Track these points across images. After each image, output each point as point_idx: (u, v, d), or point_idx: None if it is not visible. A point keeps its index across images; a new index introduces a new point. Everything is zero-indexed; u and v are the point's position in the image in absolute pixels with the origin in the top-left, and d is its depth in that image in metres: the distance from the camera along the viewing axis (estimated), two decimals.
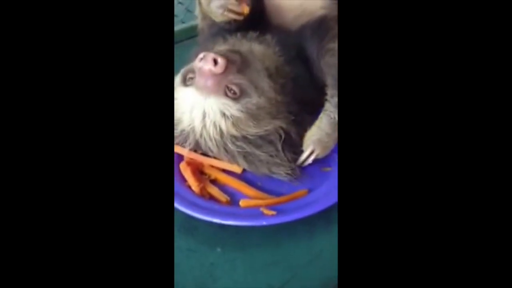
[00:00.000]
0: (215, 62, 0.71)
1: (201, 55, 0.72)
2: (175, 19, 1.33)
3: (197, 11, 1.09)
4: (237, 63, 0.75)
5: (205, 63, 0.71)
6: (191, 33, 1.17)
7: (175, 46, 1.13)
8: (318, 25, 0.89)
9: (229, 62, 0.73)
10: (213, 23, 0.90)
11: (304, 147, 0.78)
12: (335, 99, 0.77)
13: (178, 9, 1.36)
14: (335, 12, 0.91)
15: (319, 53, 0.85)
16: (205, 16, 0.97)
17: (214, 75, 0.72)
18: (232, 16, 0.82)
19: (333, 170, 0.79)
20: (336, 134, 0.77)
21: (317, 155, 0.78)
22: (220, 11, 0.82)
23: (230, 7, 0.81)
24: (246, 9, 0.81)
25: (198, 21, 1.08)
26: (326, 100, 0.79)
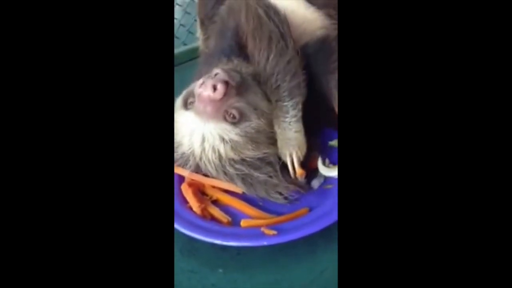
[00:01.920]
0: (214, 88, 0.72)
1: (200, 81, 0.73)
2: (177, 41, 1.35)
3: (198, 33, 1.11)
4: (236, 85, 0.76)
5: (204, 89, 0.72)
6: (193, 55, 1.18)
7: (177, 67, 1.16)
8: (321, 44, 0.89)
9: (228, 86, 0.73)
10: (218, 44, 0.91)
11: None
12: None
13: (180, 31, 1.38)
14: (335, 32, 0.92)
15: (326, 70, 0.85)
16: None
17: (213, 101, 0.72)
18: (289, 166, 0.80)
19: (333, 188, 0.79)
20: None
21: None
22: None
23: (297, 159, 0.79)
24: (301, 174, 0.79)
25: (200, 43, 1.10)
26: None
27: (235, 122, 0.74)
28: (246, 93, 0.77)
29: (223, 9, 0.91)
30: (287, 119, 0.78)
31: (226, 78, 0.73)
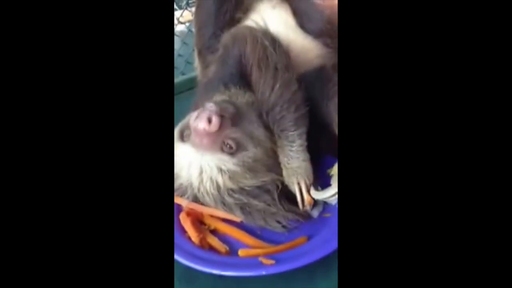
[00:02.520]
0: (209, 121, 0.72)
1: (195, 114, 0.74)
2: (176, 71, 1.36)
3: (196, 63, 1.12)
4: (231, 116, 0.77)
5: (199, 122, 0.72)
6: (191, 84, 1.19)
7: (176, 97, 1.17)
8: (318, 72, 0.91)
9: (223, 118, 0.74)
10: (218, 71, 0.93)
11: (333, 180, 0.79)
12: None
13: (178, 61, 1.40)
14: (331, 61, 0.94)
15: (325, 96, 0.86)
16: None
17: (209, 133, 0.73)
18: (298, 195, 0.81)
19: (332, 216, 0.79)
20: None
21: None
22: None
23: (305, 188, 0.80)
24: (310, 202, 0.80)
25: (197, 73, 1.11)
26: None
27: (232, 153, 0.74)
28: (241, 123, 0.78)
29: (226, 37, 0.93)
30: (294, 148, 0.79)
31: (219, 111, 0.74)
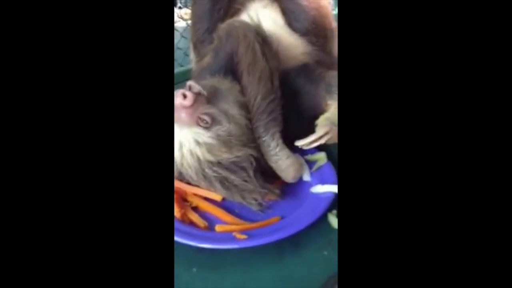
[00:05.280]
0: (184, 96, 0.80)
1: (176, 93, 0.81)
2: (174, 63, 1.43)
3: (191, 55, 1.19)
4: (206, 95, 0.83)
5: (176, 99, 0.80)
6: (189, 75, 1.26)
7: (174, 86, 1.23)
8: (303, 66, 0.99)
9: (198, 95, 0.81)
10: (211, 62, 0.98)
11: (318, 127, 0.85)
12: None
13: (177, 53, 1.47)
14: (316, 58, 1.01)
15: (311, 80, 0.95)
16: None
17: (185, 107, 0.80)
18: None
19: (305, 199, 0.87)
20: None
21: (328, 139, 0.85)
22: None
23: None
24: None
25: (192, 64, 1.18)
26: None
27: (207, 127, 0.81)
28: (217, 102, 0.84)
29: (222, 28, 0.96)
30: (272, 151, 0.85)
31: (197, 89, 0.82)
